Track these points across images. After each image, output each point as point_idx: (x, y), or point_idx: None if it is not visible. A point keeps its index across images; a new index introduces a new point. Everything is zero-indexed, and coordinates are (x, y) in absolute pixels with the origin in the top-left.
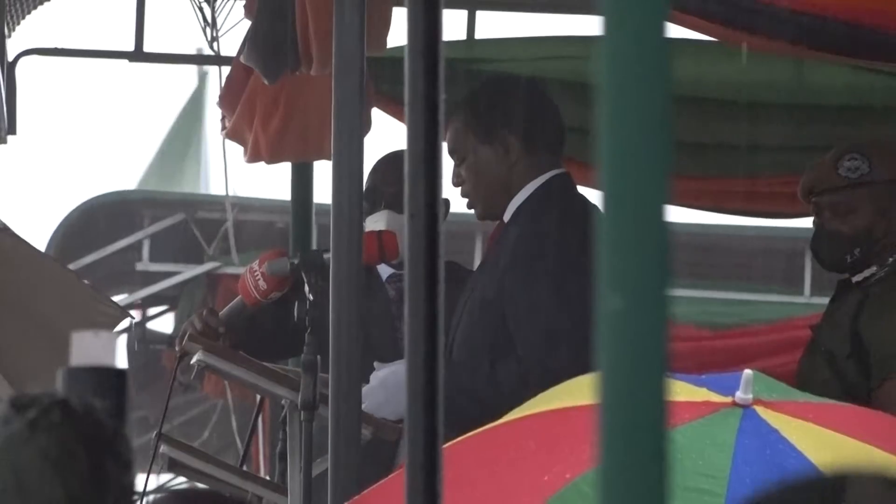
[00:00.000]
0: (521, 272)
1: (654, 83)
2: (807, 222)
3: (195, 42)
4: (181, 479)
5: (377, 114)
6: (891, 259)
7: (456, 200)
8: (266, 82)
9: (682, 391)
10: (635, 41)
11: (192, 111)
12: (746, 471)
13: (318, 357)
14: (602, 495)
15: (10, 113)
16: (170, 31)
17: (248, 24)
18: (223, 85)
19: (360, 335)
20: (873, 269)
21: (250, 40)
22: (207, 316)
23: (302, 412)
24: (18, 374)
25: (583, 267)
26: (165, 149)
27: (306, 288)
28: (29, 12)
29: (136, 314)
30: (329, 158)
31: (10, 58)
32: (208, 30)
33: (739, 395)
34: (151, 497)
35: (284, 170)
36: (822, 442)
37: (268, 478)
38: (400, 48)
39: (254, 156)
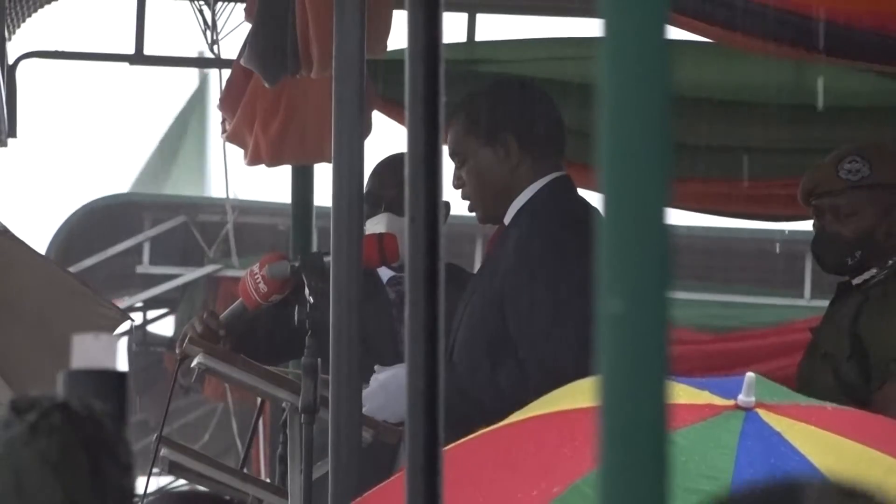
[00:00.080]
0: (522, 275)
1: (655, 85)
2: (807, 225)
3: (196, 45)
4: (181, 481)
5: (377, 116)
6: (891, 261)
7: (456, 203)
8: (266, 85)
9: (684, 394)
10: (636, 43)
11: (188, 113)
12: (749, 473)
13: (319, 360)
14: (603, 498)
15: (11, 116)
16: (170, 34)
17: (248, 26)
18: (223, 88)
19: (360, 338)
20: (873, 271)
21: (250, 43)
22: (208, 319)
23: (302, 415)
24: (19, 376)
25: (583, 270)
26: (157, 151)
27: (307, 291)
28: (29, 15)
29: (136, 317)
30: (329, 161)
31: (11, 61)
32: (209, 33)
33: (742, 398)
34: (150, 499)
35: (285, 172)
36: (825, 445)
37: (268, 480)
38: (400, 51)
39: (254, 158)
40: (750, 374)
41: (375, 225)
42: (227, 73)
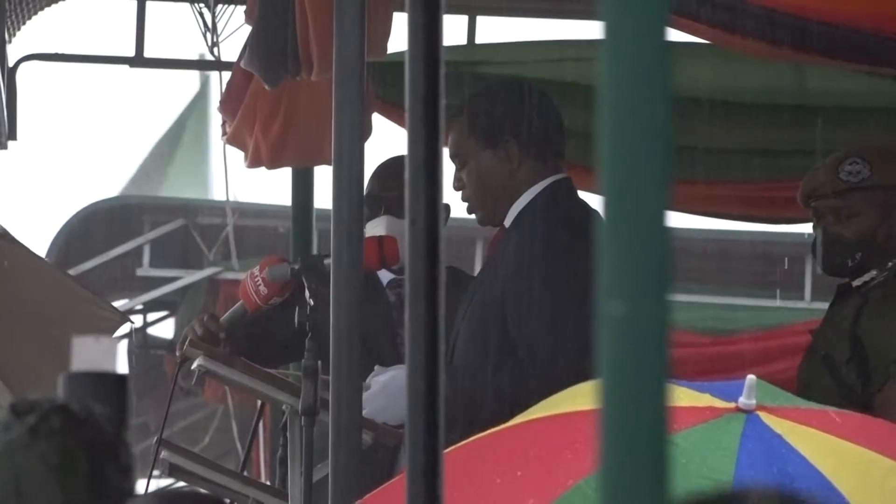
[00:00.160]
0: (523, 277)
1: (655, 87)
2: (807, 227)
3: (196, 47)
4: (182, 484)
5: (378, 119)
6: (891, 263)
7: (456, 205)
8: (267, 87)
9: (685, 397)
10: (636, 45)
11: (187, 116)
12: (750, 475)
13: (319, 362)
14: (604, 499)
15: (11, 118)
16: (171, 37)
17: (248, 29)
18: (224, 90)
19: (360, 341)
20: (873, 273)
21: (251, 45)
22: (208, 321)
23: (302, 417)
24: (18, 379)
25: (584, 272)
26: (157, 154)
27: (307, 293)
28: (30, 17)
29: (136, 319)
30: (329, 163)
31: (11, 63)
32: (209, 35)
33: (743, 400)
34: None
35: (285, 175)
36: (825, 448)
37: (268, 483)
38: (400, 53)
39: (254, 161)
40: (751, 377)
41: (375, 227)
42: (227, 75)
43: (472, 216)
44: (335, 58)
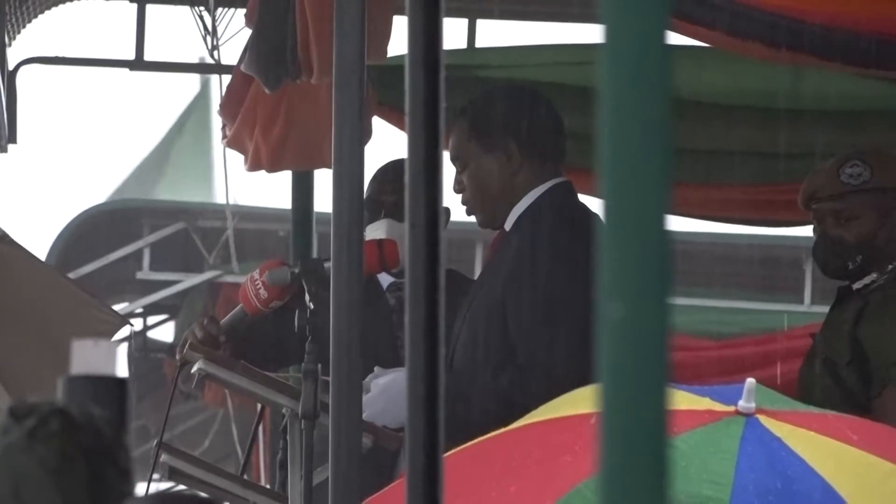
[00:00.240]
0: (523, 281)
1: (655, 90)
2: (807, 230)
3: (196, 51)
4: (181, 487)
5: (378, 122)
6: (891, 266)
7: (456, 209)
8: (267, 91)
9: (685, 401)
10: (636, 48)
11: (187, 119)
12: (750, 478)
13: (319, 365)
14: (604, 502)
15: (11, 121)
16: (171, 40)
17: (248, 32)
18: (224, 93)
19: (360, 344)
20: (874, 276)
21: (251, 49)
22: (208, 325)
23: (302, 421)
24: (18, 382)
25: (584, 276)
26: (157, 157)
27: (307, 297)
28: (30, 21)
29: (136, 323)
30: (329, 167)
31: (11, 66)
32: (209, 38)
33: (742, 403)
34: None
35: (285, 178)
36: (825, 451)
37: (268, 486)
38: (401, 57)
39: (254, 164)
40: (750, 380)
41: (375, 231)
42: (227, 78)
43: (472, 219)
44: (335, 61)
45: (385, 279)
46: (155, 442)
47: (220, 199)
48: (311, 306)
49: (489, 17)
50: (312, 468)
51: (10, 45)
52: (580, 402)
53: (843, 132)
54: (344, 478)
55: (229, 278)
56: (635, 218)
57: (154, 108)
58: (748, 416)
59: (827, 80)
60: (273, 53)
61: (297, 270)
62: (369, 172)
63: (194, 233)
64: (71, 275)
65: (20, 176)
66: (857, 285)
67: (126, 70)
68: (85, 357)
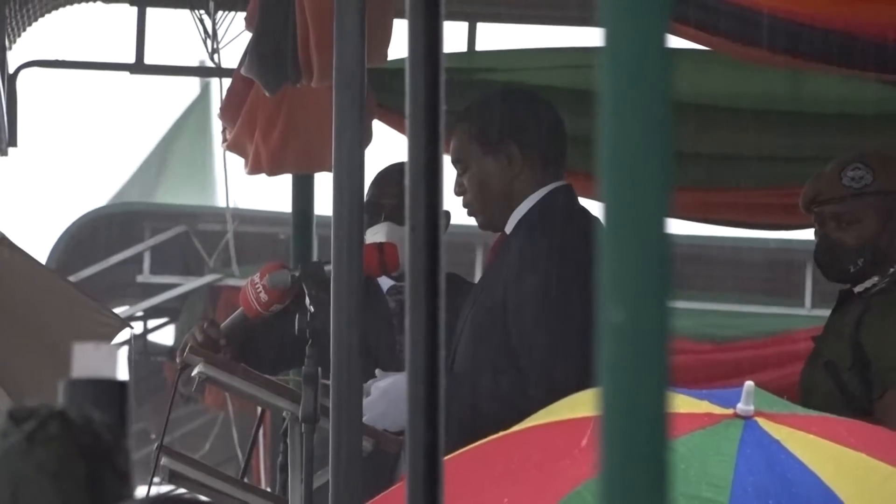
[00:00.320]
0: (523, 284)
1: (655, 94)
2: (807, 234)
3: (196, 54)
4: (182, 490)
5: (378, 125)
6: (892, 269)
7: (457, 212)
8: (267, 94)
9: (684, 404)
10: (636, 52)
11: (187, 122)
12: (749, 480)
13: (319, 369)
14: None
15: (11, 125)
16: (171, 43)
17: (248, 36)
18: (224, 97)
19: (360, 347)
20: (875, 279)
21: (251, 52)
22: (208, 328)
23: (303, 424)
24: (18, 385)
25: (584, 279)
26: (157, 161)
27: (307, 300)
28: (30, 24)
29: (136, 326)
30: (330, 170)
31: (11, 70)
32: (209, 42)
33: (741, 406)
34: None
35: (285, 181)
36: (824, 453)
37: (269, 490)
38: (401, 60)
39: (254, 168)
40: (749, 383)
41: (376, 234)
42: (227, 82)
43: (473, 222)
44: (335, 64)
45: (385, 282)
46: (155, 445)
47: (220, 202)
48: (312, 309)
49: (489, 21)
50: (313, 472)
51: (10, 48)
52: (580, 405)
53: (844, 136)
54: (344, 481)
55: (230, 282)
56: (636, 221)
57: (154, 111)
58: (747, 418)
59: (828, 84)
60: (273, 57)
61: (297, 274)
62: (370, 176)
63: (195, 236)
64: (71, 278)
65: (20, 179)
66: (858, 289)
67: (126, 73)
68: (86, 360)
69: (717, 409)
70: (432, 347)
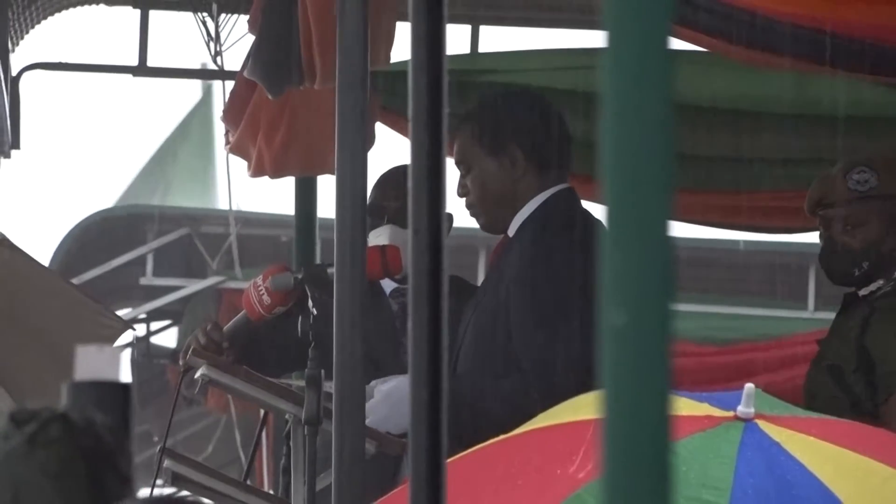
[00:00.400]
0: (526, 287)
1: (658, 96)
2: (811, 237)
3: (199, 56)
4: (184, 493)
5: (381, 128)
6: None
7: (460, 215)
8: (270, 97)
9: (684, 406)
10: (639, 54)
11: (190, 125)
12: (749, 483)
13: (322, 371)
14: None
15: (14, 127)
16: (173, 46)
17: (251, 38)
18: (227, 99)
19: (363, 350)
20: (880, 282)
21: (254, 55)
22: (211, 330)
23: (305, 427)
24: (20, 387)
25: (586, 282)
26: (159, 163)
27: (310, 302)
28: (33, 27)
29: (139, 328)
30: (333, 173)
31: (14, 72)
32: (212, 44)
33: (741, 408)
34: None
35: (288, 184)
36: (824, 455)
37: (272, 492)
38: (404, 62)
39: (257, 170)
40: (749, 385)
41: (378, 237)
42: (230, 84)
43: (476, 225)
44: (338, 67)
45: (388, 285)
46: (158, 447)
47: (223, 204)
48: (315, 312)
49: (492, 24)
50: (316, 474)
51: (13, 50)
52: (581, 408)
53: (849, 138)
54: (347, 483)
55: (232, 284)
56: (638, 224)
57: (157, 113)
58: (747, 421)
59: (832, 86)
60: (276, 59)
61: (300, 276)
62: (372, 178)
63: (198, 238)
64: (74, 280)
65: (23, 182)
66: (863, 292)
67: (129, 76)
68: (88, 362)
69: (717, 412)
70: (435, 350)
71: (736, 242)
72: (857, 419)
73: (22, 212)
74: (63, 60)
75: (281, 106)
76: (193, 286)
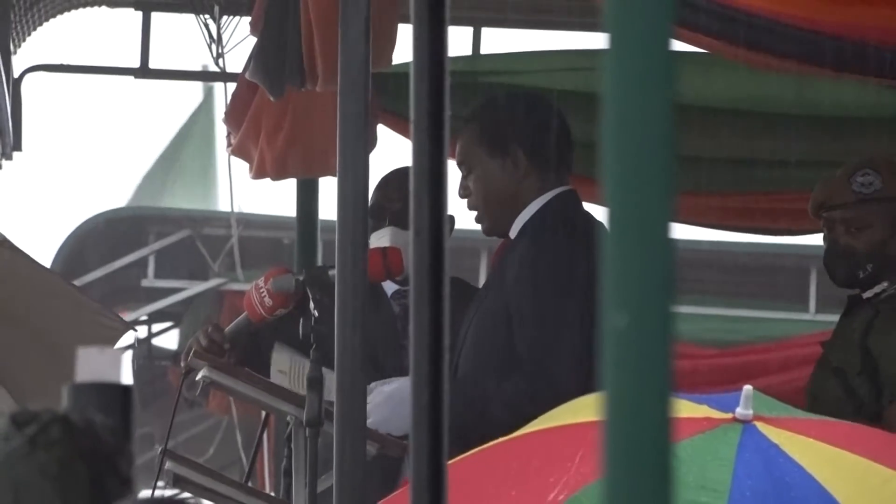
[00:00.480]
0: (527, 289)
1: (659, 98)
2: (812, 239)
3: (201, 58)
4: (186, 494)
5: (382, 130)
6: None
7: (461, 217)
8: (271, 98)
9: (683, 408)
10: (640, 56)
11: (192, 127)
12: (747, 485)
13: (324, 370)
14: None
15: (16, 129)
16: (175, 48)
17: (253, 40)
18: (229, 101)
19: (364, 352)
20: (884, 284)
21: (256, 56)
22: (213, 332)
23: (307, 428)
24: (21, 388)
25: (588, 284)
26: (161, 165)
27: (311, 304)
28: (35, 29)
29: (141, 330)
30: (334, 175)
31: (16, 74)
32: (214, 46)
33: (739, 410)
34: None
35: (290, 186)
36: (822, 457)
37: (273, 494)
38: (405, 64)
39: (259, 172)
40: (747, 387)
41: (380, 239)
42: (232, 86)
43: (477, 227)
44: (340, 69)
45: (389, 287)
46: (159, 449)
47: (224, 206)
48: (316, 314)
49: (494, 25)
50: (317, 476)
51: (15, 52)
52: (581, 411)
53: (850, 140)
54: (348, 485)
55: (234, 286)
56: (639, 226)
57: (159, 115)
58: (746, 422)
59: (835, 88)
60: (278, 61)
61: (301, 278)
62: (374, 180)
63: (199, 240)
64: (76, 282)
65: (25, 183)
66: (867, 294)
67: (131, 78)
68: (90, 364)
69: (715, 414)
70: (436, 352)
71: (737, 244)
72: (862, 422)
73: (24, 214)
74: (65, 62)
75: (283, 108)
76: (195, 288)
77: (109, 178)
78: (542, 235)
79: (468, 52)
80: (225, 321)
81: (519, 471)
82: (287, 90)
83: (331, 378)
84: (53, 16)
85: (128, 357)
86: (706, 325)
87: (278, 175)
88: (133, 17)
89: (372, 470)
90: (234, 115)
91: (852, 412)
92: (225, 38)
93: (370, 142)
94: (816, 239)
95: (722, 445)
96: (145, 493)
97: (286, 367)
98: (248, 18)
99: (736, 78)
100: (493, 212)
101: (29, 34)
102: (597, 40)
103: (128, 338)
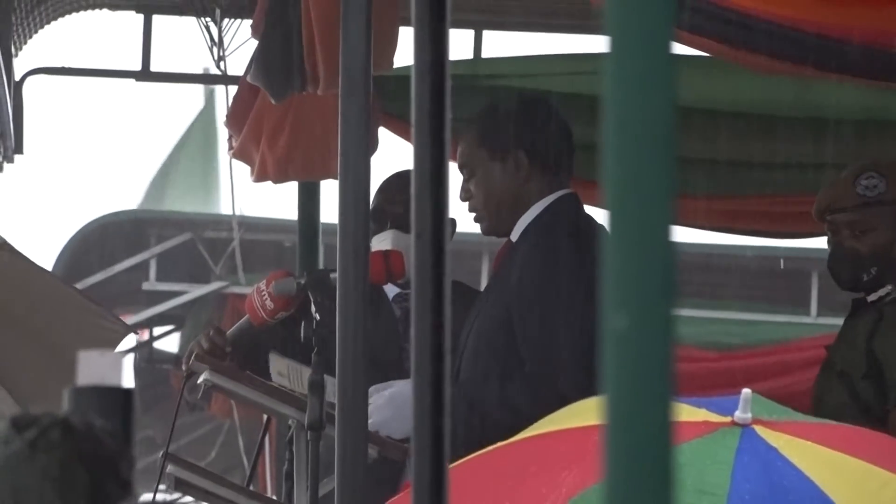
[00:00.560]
0: (529, 291)
1: (660, 101)
2: (813, 242)
3: (202, 61)
4: (188, 498)
5: (384, 133)
6: None
7: (463, 219)
8: (273, 101)
9: (682, 412)
10: (641, 59)
11: (193, 130)
12: (746, 488)
13: (325, 377)
14: None
15: (17, 132)
16: (177, 51)
17: (254, 43)
18: (230, 104)
19: (366, 355)
20: (888, 288)
21: (257, 59)
22: (214, 335)
23: (308, 432)
24: (22, 391)
25: (589, 287)
26: (163, 168)
27: (313, 308)
28: (36, 31)
29: (142, 334)
30: (336, 178)
31: (18, 77)
32: (215, 49)
33: (738, 414)
34: None
35: (291, 189)
36: (821, 460)
37: (274, 497)
38: (407, 67)
39: (261, 175)
40: (746, 391)
41: (381, 242)
42: (233, 89)
43: (479, 230)
44: (341, 72)
45: (391, 290)
46: (161, 452)
47: (226, 209)
48: (318, 317)
49: (495, 29)
50: (318, 479)
51: (16, 55)
52: (582, 414)
53: (853, 143)
54: (350, 489)
55: (235, 289)
56: (640, 229)
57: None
58: (744, 426)
59: (838, 91)
60: (279, 64)
61: (303, 281)
62: (375, 183)
63: (201, 244)
64: (77, 285)
65: (27, 186)
66: (871, 297)
67: (132, 81)
68: (91, 367)
69: (714, 417)
70: (438, 355)
71: (738, 247)
72: (867, 426)
73: (25, 216)
74: (66, 65)
75: (284, 111)
76: (196, 291)
77: (111, 181)
78: (543, 238)
79: (469, 55)
80: (227, 324)
81: (520, 474)
82: (288, 93)
83: (331, 381)
84: (55, 18)
85: (129, 360)
86: (707, 329)
87: (280, 178)
88: (134, 19)
89: (373, 473)
90: (236, 118)
91: (857, 416)
92: (226, 41)
93: (371, 145)
94: (818, 242)
95: (720, 449)
96: (147, 497)
97: (284, 370)
98: (250, 21)
99: (737, 81)
100: (494, 214)
101: (30, 37)
102: (598, 43)
103: (129, 341)
